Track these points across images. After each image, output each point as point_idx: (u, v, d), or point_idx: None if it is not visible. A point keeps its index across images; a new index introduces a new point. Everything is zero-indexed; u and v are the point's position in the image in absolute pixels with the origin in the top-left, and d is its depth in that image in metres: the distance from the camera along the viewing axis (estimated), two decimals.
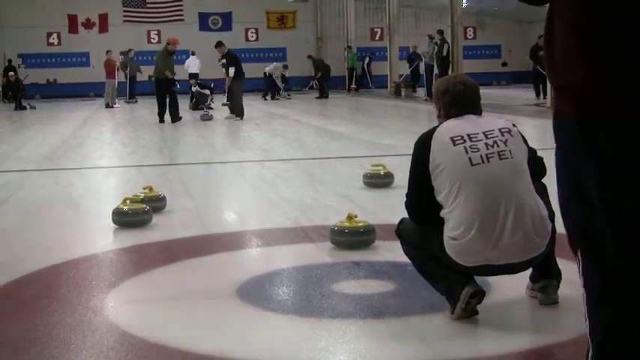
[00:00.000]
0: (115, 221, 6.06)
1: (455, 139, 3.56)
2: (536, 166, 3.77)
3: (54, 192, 8.25)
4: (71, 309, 4.03)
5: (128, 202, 6.15)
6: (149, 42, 34.70)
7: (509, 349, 3.41)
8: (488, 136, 3.57)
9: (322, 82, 27.62)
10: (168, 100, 17.42)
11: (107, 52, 26.62)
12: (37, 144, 13.76)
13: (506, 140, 3.58)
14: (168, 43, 17.94)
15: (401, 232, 3.96)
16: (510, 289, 3.84)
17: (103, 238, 5.85)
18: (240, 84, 18.24)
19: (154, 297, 4.31)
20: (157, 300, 4.25)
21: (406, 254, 3.94)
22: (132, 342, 3.54)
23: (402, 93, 27.00)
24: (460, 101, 3.71)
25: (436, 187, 3.61)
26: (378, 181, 7.69)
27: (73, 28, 34.12)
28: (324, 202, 7.13)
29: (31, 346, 3.49)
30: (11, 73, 27.16)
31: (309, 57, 29.76)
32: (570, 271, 4.18)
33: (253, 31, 35.50)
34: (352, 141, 13.03)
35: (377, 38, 35.83)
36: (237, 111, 17.84)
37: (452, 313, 3.60)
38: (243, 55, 35.51)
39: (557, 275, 3.81)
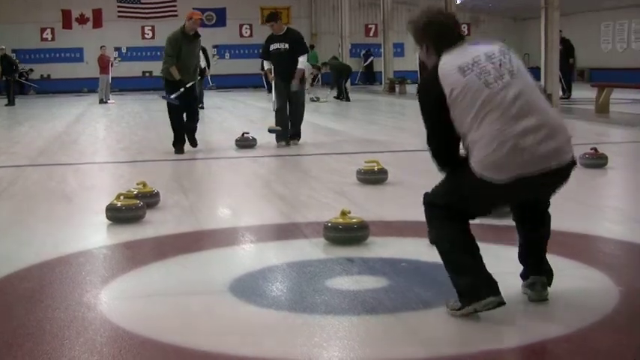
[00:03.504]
0: (108, 217, 6.05)
1: (463, 68, 3.48)
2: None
3: (47, 187, 8.23)
4: (64, 305, 4.03)
5: (122, 197, 6.14)
6: (143, 38, 34.71)
7: (503, 345, 3.43)
8: (492, 58, 3.51)
9: (340, 83, 24.51)
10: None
11: (101, 47, 26.57)
12: (31, 139, 13.72)
13: (510, 59, 3.53)
14: (186, 21, 10.77)
15: (430, 200, 3.73)
16: (504, 286, 3.82)
17: (96, 234, 5.85)
18: (303, 86, 11.84)
19: (147, 293, 4.31)
20: (150, 295, 4.25)
21: (434, 240, 3.74)
22: (125, 337, 3.54)
23: (396, 89, 27.01)
24: (447, 29, 3.64)
25: (458, 117, 3.48)
26: (372, 177, 7.70)
27: (67, 23, 34.08)
28: (318, 198, 7.13)
29: (25, 341, 3.49)
30: (2, 47, 25.82)
31: (325, 64, 26.63)
32: (565, 267, 4.21)
33: (247, 27, 35.49)
34: (346, 137, 13.03)
35: (371, 34, 35.90)
36: (296, 132, 11.67)
37: (456, 309, 3.59)
38: (237, 52, 35.84)
39: (546, 272, 3.81)
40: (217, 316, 3.86)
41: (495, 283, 3.54)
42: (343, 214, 5.24)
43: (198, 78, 11.67)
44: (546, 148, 3.41)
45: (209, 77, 23.41)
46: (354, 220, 5.21)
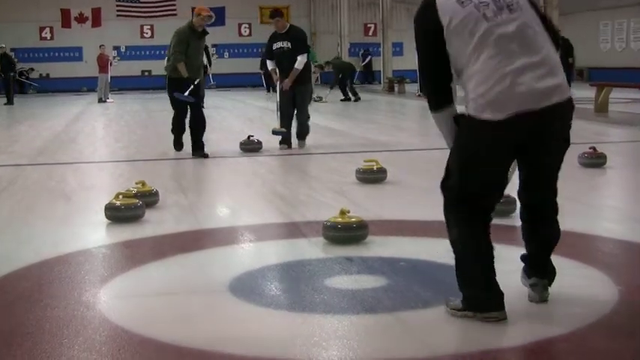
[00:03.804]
0: (107, 216, 6.05)
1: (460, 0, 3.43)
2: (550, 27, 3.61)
3: (47, 187, 8.23)
4: (63, 304, 4.02)
5: (121, 196, 6.14)
6: (142, 37, 34.71)
7: (502, 344, 3.42)
8: None
9: (344, 84, 23.63)
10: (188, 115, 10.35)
11: (100, 46, 26.56)
12: (31, 138, 13.71)
13: None
14: (195, 16, 10.16)
15: (446, 187, 3.60)
16: (504, 285, 3.83)
17: (95, 233, 5.84)
18: (310, 86, 11.78)
19: (146, 292, 4.31)
20: (149, 295, 4.25)
21: (450, 241, 3.67)
22: (124, 337, 3.54)
23: (395, 89, 27.00)
24: None
25: (455, 49, 3.42)
26: (371, 176, 7.70)
27: (66, 22, 34.08)
28: (317, 197, 7.13)
29: (24, 340, 3.49)
30: (2, 45, 25.66)
31: (327, 63, 26.66)
32: (564, 267, 4.20)
33: (246, 26, 35.53)
34: (345, 137, 13.03)
35: (370, 34, 35.93)
36: (302, 132, 11.08)
37: (456, 310, 3.59)
38: (236, 51, 35.85)
39: (550, 274, 3.79)
40: (216, 316, 3.85)
41: (501, 297, 3.53)
42: (342, 213, 5.24)
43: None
44: (545, 84, 3.37)
45: (210, 76, 23.37)
46: (353, 220, 5.21)
